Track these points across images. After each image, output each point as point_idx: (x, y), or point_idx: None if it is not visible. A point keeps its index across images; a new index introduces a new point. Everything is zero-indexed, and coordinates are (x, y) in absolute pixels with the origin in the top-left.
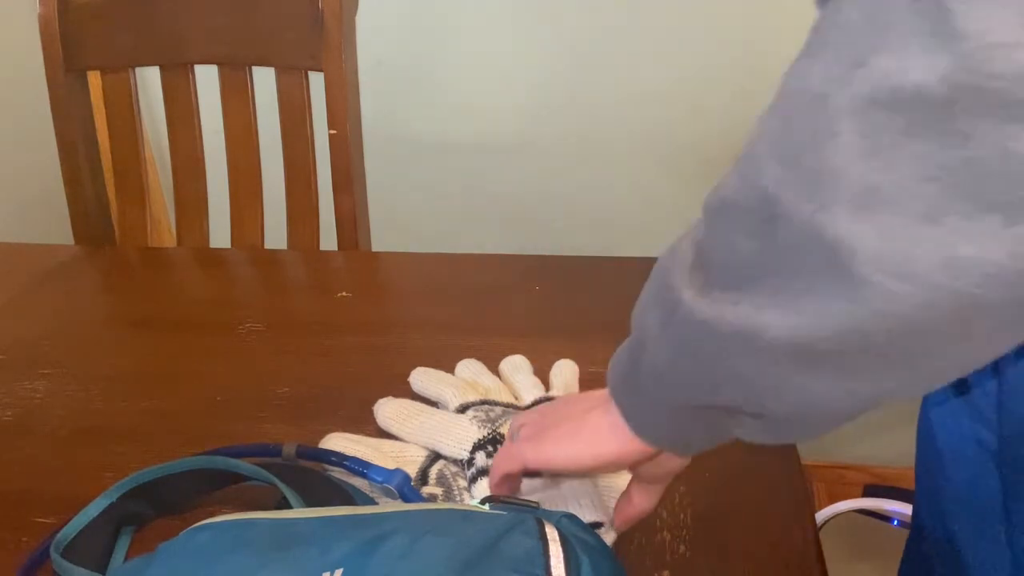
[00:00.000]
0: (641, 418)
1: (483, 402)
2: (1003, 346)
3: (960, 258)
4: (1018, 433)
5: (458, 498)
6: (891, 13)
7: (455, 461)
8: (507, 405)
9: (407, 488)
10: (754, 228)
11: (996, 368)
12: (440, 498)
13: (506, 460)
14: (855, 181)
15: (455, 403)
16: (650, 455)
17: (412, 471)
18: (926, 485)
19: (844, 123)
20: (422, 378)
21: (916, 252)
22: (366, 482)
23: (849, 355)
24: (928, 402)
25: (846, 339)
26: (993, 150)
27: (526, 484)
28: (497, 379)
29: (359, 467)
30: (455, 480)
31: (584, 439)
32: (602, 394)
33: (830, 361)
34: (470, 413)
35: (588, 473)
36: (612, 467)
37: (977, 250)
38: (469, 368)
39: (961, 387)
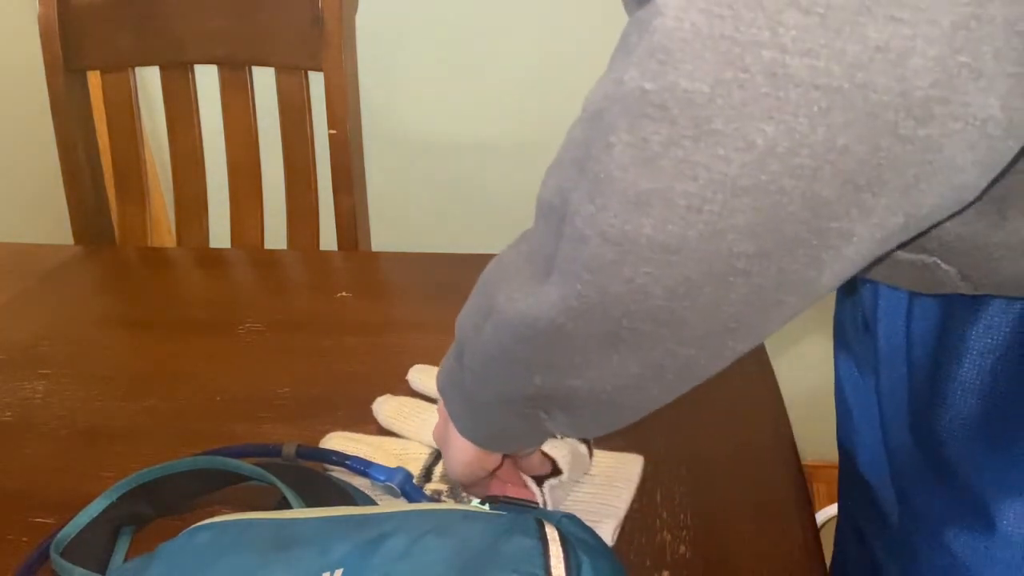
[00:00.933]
0: (466, 421)
1: None
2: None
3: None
4: (891, 391)
5: (463, 494)
6: (626, 34)
7: None
8: None
9: (409, 486)
10: (555, 225)
11: (868, 322)
12: (444, 495)
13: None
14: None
15: None
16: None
17: (415, 469)
18: (843, 445)
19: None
20: (421, 376)
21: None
22: (367, 481)
23: (627, 329)
24: (840, 364)
25: (618, 315)
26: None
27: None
28: None
29: (360, 466)
30: None
31: (453, 453)
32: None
33: (615, 337)
34: None
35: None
36: (482, 471)
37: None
38: None
39: (844, 340)
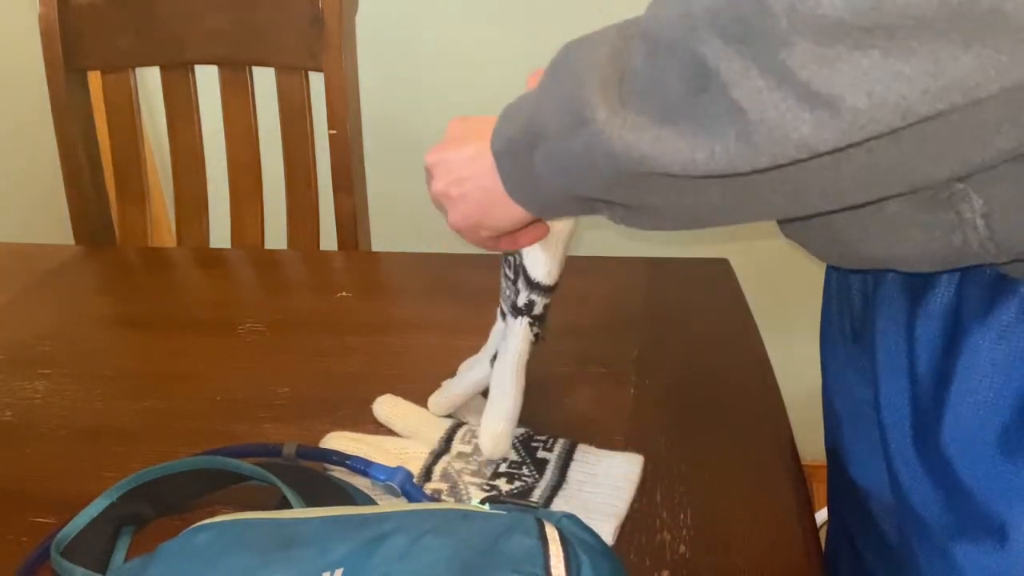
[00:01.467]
0: (520, 189)
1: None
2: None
3: None
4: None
5: (463, 493)
6: None
7: (459, 455)
8: None
9: (409, 485)
10: (688, 81)
11: (858, 332)
12: (445, 494)
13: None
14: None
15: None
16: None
17: (415, 468)
18: (832, 451)
19: (795, 37)
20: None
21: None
22: (367, 481)
23: (742, 187)
24: (827, 369)
25: (741, 180)
26: None
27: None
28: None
29: (361, 466)
30: (460, 477)
31: (494, 212)
32: (486, 155)
33: (724, 187)
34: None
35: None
36: (503, 229)
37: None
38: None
39: (856, 338)
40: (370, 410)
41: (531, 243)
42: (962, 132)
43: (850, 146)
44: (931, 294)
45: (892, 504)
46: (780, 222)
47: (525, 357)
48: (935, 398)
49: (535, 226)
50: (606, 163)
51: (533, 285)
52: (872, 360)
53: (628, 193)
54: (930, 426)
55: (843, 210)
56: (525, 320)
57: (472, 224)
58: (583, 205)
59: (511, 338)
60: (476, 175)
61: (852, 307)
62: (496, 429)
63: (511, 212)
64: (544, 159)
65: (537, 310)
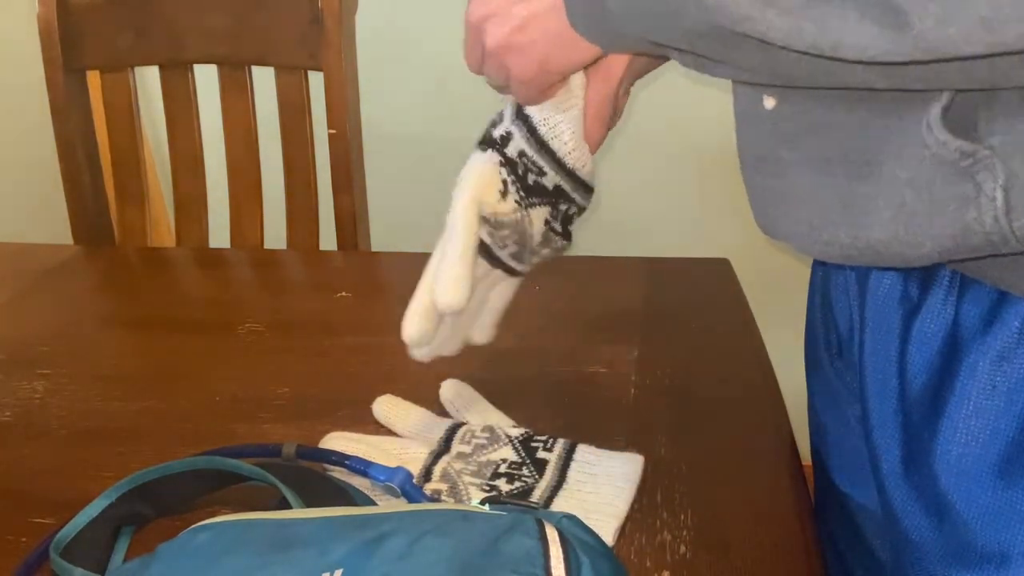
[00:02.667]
0: (591, 27)
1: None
2: None
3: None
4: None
5: (463, 494)
6: None
7: (458, 455)
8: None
9: (409, 486)
10: None
11: (843, 348)
12: (444, 494)
13: (496, 71)
14: None
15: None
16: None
17: (415, 469)
18: (818, 461)
19: None
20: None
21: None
22: (367, 481)
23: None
24: (812, 382)
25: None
26: None
27: None
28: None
29: (360, 466)
30: (460, 477)
31: (554, 51)
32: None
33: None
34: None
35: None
36: (570, 70)
37: None
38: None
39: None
40: (370, 410)
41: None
42: None
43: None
44: (926, 313)
45: (882, 522)
46: (759, 218)
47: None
48: (928, 422)
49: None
50: (698, 14)
51: (557, 164)
52: (860, 379)
53: (712, 47)
54: (922, 450)
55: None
56: (495, 156)
57: (543, 71)
58: (655, 48)
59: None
60: (538, 16)
61: (837, 322)
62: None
63: (579, 52)
64: (621, 6)
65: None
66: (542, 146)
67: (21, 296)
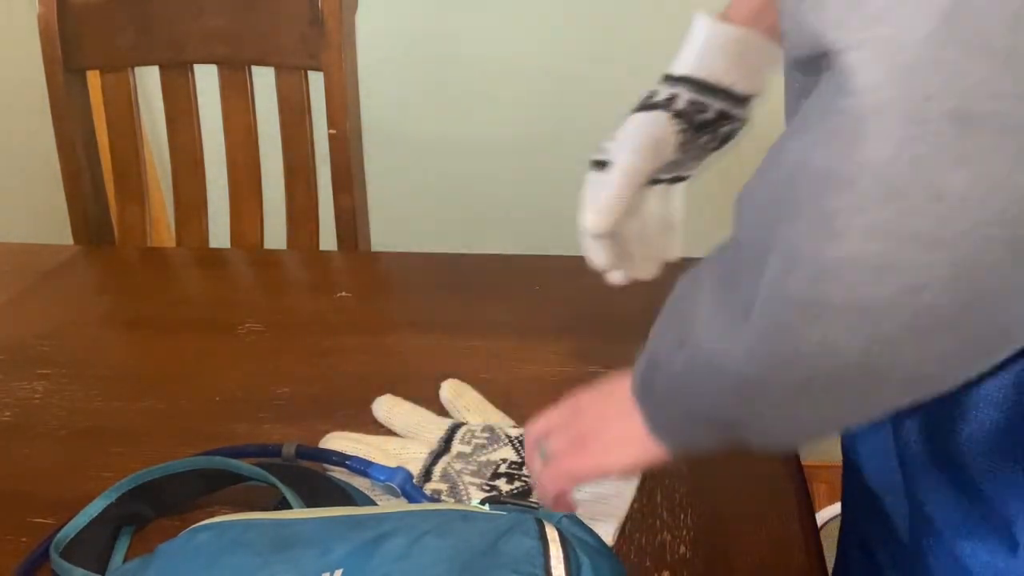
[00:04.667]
0: (664, 426)
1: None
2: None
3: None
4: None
5: (463, 493)
6: (808, 110)
7: (458, 455)
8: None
9: (409, 486)
10: (753, 272)
11: None
12: (444, 494)
13: (554, 481)
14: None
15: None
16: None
17: (415, 469)
18: (847, 451)
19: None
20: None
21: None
22: (367, 481)
23: (819, 386)
24: None
25: (809, 373)
26: None
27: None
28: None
29: (360, 466)
30: (460, 477)
31: (616, 450)
32: (622, 399)
33: (806, 390)
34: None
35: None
36: (637, 471)
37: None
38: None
39: None
40: (370, 410)
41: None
42: None
43: None
44: None
45: (905, 503)
46: None
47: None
48: (949, 400)
49: None
50: (710, 379)
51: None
52: None
53: (739, 414)
54: (944, 428)
55: None
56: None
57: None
58: (723, 432)
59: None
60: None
61: None
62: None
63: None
64: (665, 385)
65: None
66: (710, 89)
67: (21, 296)
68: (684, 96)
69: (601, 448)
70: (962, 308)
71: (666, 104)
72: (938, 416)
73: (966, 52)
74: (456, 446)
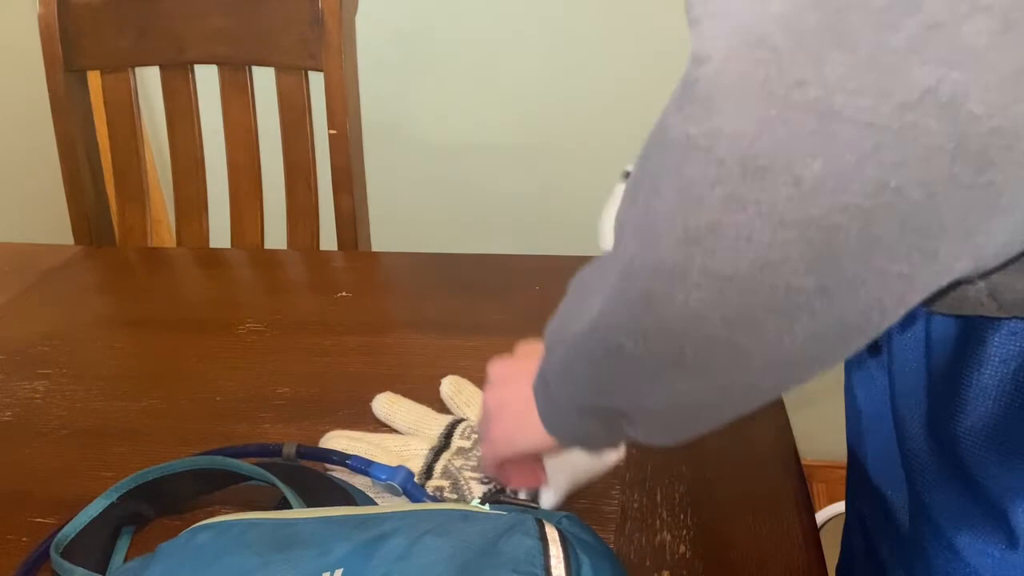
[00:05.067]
0: (550, 417)
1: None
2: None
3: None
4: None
5: (465, 489)
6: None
7: (459, 451)
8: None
9: (411, 484)
10: (615, 252)
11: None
12: (447, 491)
13: (487, 459)
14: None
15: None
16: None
17: (416, 466)
18: (852, 446)
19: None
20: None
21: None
22: (368, 481)
23: (689, 356)
24: (850, 365)
25: (678, 341)
26: None
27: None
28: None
29: (361, 465)
30: (461, 473)
31: (521, 434)
32: (527, 388)
33: (676, 362)
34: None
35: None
36: (541, 452)
37: None
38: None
39: (873, 348)
40: (370, 410)
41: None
42: None
43: None
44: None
45: (906, 497)
46: None
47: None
48: (949, 392)
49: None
50: (578, 359)
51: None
52: (888, 351)
53: (617, 396)
54: (944, 420)
55: None
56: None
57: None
58: (605, 422)
59: None
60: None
61: None
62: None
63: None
64: (551, 373)
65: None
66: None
67: (21, 296)
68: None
69: (507, 434)
70: (819, 292)
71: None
72: (938, 408)
73: (832, 43)
74: (456, 442)
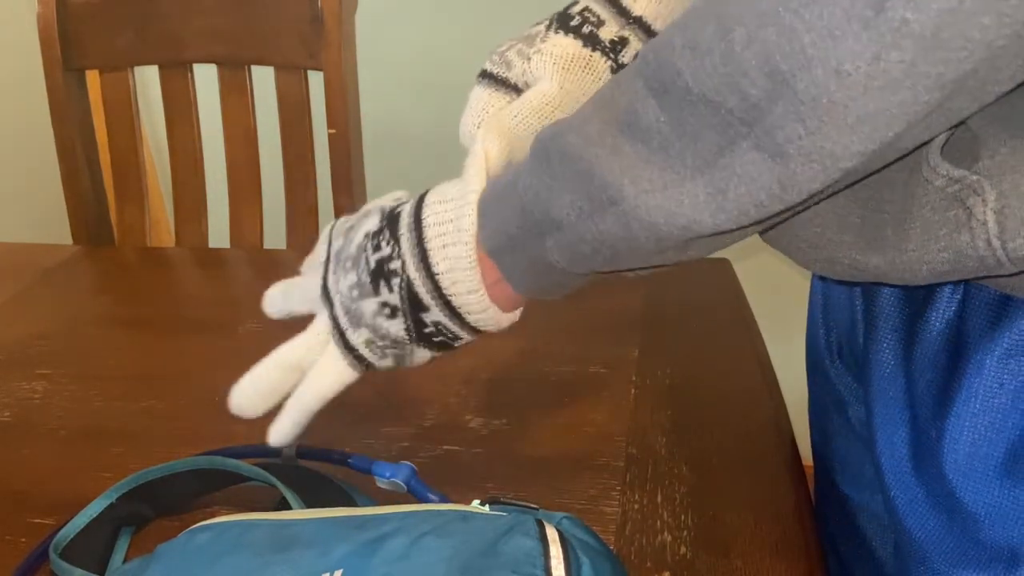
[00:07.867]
0: (526, 283)
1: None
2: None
3: None
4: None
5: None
6: None
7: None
8: None
9: (415, 481)
10: (723, 126)
11: (842, 350)
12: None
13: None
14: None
15: None
16: None
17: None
18: (819, 457)
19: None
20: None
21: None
22: (368, 480)
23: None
24: (813, 381)
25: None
26: None
27: None
28: None
29: (364, 464)
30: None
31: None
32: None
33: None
34: None
35: None
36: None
37: None
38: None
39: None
40: (370, 411)
41: None
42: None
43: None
44: (931, 312)
45: (886, 522)
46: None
47: None
48: (935, 420)
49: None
50: (647, 235)
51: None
52: (865, 378)
53: (673, 256)
54: (930, 450)
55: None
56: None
57: None
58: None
59: None
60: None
61: (839, 323)
62: None
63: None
64: (560, 247)
65: None
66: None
67: (20, 296)
68: (634, 46)
69: None
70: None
71: (611, 48)
72: (921, 437)
73: None
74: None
